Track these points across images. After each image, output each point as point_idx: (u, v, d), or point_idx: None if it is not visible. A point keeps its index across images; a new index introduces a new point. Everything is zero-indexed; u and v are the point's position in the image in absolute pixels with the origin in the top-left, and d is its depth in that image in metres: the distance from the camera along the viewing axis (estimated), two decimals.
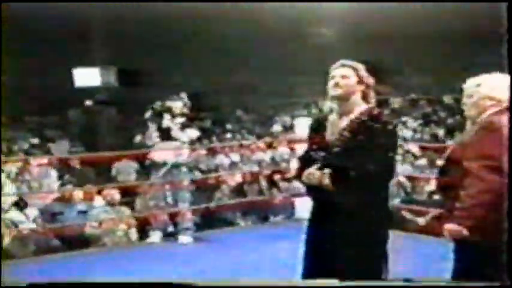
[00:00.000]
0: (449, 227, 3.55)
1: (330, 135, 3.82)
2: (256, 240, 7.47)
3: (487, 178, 3.40)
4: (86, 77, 14.26)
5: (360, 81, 3.81)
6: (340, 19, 11.49)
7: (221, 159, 12.36)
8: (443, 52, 12.28)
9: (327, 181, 3.69)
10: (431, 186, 8.71)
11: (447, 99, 14.15)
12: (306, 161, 3.87)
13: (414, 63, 12.85)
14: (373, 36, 11.59)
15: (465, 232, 3.46)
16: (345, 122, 3.79)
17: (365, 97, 3.83)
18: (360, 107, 3.79)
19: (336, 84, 3.78)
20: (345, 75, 3.78)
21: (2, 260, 6.01)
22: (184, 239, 7.53)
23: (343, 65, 3.83)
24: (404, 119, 13.40)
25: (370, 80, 3.85)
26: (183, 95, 7.64)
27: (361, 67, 3.86)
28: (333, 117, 3.87)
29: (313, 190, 3.81)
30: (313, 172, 3.74)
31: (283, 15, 11.09)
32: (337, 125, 3.81)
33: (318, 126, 3.94)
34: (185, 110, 7.57)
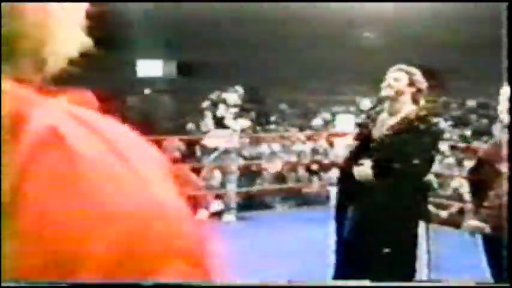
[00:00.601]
0: (472, 223, 3.65)
1: (379, 131, 4.00)
2: (292, 222, 7.70)
3: None
4: (148, 68, 14.70)
5: (411, 84, 3.95)
6: (382, 23, 11.59)
7: (264, 148, 12.57)
8: (474, 58, 12.25)
9: (369, 172, 3.87)
10: (456, 183, 8.85)
11: (470, 102, 14.07)
12: (355, 154, 4.09)
13: (448, 68, 12.85)
14: (413, 40, 11.65)
15: (487, 230, 3.54)
16: (393, 120, 3.95)
17: (415, 99, 3.97)
18: (408, 108, 3.94)
19: (388, 85, 3.96)
20: (397, 78, 3.95)
21: None
22: (228, 217, 7.80)
23: (399, 69, 3.99)
24: (436, 119, 13.42)
25: (423, 85, 3.99)
26: (238, 88, 7.88)
27: (416, 72, 4.00)
28: (383, 115, 4.04)
29: (356, 182, 3.94)
30: (363, 169, 3.91)
31: (329, 16, 11.23)
32: (386, 123, 3.98)
33: (369, 123, 4.12)
34: (239, 102, 7.80)
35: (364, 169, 3.91)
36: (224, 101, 7.72)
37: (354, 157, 4.07)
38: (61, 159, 0.47)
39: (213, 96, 7.81)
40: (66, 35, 0.58)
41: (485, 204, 3.59)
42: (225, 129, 7.73)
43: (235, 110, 7.80)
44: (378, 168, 3.87)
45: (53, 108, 0.50)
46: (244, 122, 8.12)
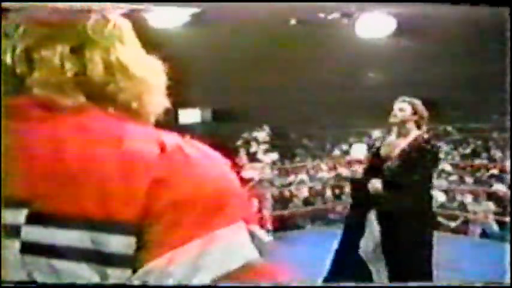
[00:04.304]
0: None
1: (387, 150, 4.20)
2: (319, 239, 7.80)
3: None
4: (188, 115, 15.02)
5: (414, 112, 4.16)
6: (382, 65, 11.78)
7: (292, 177, 12.69)
8: (468, 91, 12.29)
9: (379, 187, 4.05)
10: (461, 196, 8.89)
11: (466, 127, 14.16)
12: (369, 171, 4.28)
13: (447, 101, 12.93)
14: (409, 77, 11.78)
15: None
16: (401, 142, 4.15)
17: (418, 124, 4.17)
18: (414, 132, 4.15)
19: (394, 115, 4.18)
20: (402, 108, 4.16)
21: None
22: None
23: (403, 100, 4.20)
24: (439, 144, 13.45)
25: (424, 113, 4.19)
26: (265, 127, 8.12)
27: (417, 102, 4.20)
28: (391, 137, 4.25)
29: (371, 196, 4.14)
30: (375, 185, 4.10)
31: (338, 61, 11.44)
32: (394, 143, 4.18)
33: (380, 146, 4.31)
34: (267, 139, 8.04)
35: (374, 184, 4.07)
36: (255, 139, 7.95)
37: (367, 173, 4.25)
38: (185, 161, 0.78)
39: (245, 135, 8.05)
40: (158, 101, 0.89)
41: None
42: (258, 163, 7.94)
43: (265, 146, 8.01)
44: (387, 183, 4.03)
45: (174, 136, 0.81)
46: (274, 156, 8.31)
